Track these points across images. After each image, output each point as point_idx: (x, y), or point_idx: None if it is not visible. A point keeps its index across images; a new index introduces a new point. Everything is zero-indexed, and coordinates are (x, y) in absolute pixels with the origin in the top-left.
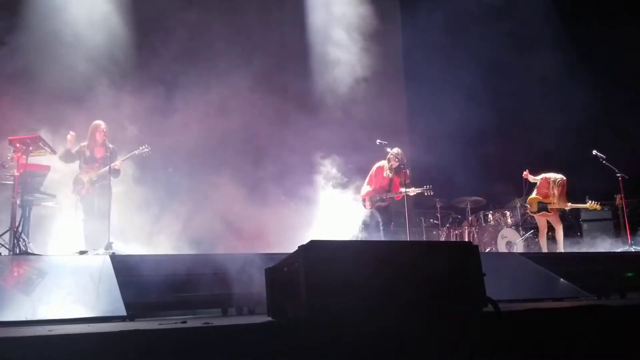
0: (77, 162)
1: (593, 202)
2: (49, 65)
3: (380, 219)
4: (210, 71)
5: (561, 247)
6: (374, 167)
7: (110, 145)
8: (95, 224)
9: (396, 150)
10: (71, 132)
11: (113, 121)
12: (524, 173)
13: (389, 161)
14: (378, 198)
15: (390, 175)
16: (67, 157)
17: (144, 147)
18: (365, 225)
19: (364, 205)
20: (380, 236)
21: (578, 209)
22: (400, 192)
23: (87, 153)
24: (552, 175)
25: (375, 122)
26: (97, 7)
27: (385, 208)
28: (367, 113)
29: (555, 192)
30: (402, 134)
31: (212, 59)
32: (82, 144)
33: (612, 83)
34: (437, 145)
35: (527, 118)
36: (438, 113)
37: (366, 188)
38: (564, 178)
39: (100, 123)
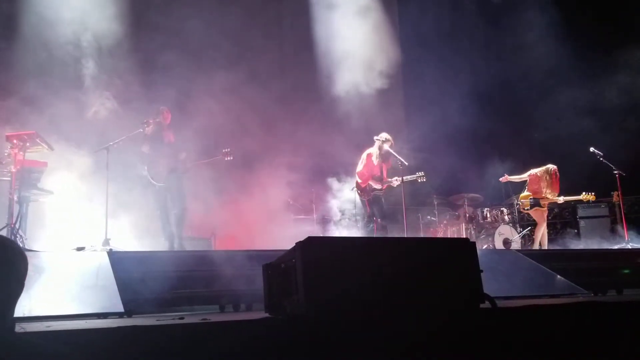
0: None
1: (587, 193)
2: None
3: (367, 212)
4: (209, 69)
5: (536, 245)
6: (364, 155)
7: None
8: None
9: (384, 135)
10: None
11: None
12: (502, 178)
13: (379, 149)
14: (373, 187)
15: (380, 161)
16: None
17: (227, 150)
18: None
19: (360, 195)
20: (362, 230)
21: (575, 206)
22: (391, 180)
23: (157, 137)
24: (541, 168)
25: (373, 119)
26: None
27: (378, 199)
28: (364, 110)
29: (546, 183)
30: (400, 131)
31: (212, 56)
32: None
33: (610, 79)
34: (435, 142)
35: (525, 115)
36: (436, 110)
37: (360, 176)
38: (555, 167)
39: (167, 108)
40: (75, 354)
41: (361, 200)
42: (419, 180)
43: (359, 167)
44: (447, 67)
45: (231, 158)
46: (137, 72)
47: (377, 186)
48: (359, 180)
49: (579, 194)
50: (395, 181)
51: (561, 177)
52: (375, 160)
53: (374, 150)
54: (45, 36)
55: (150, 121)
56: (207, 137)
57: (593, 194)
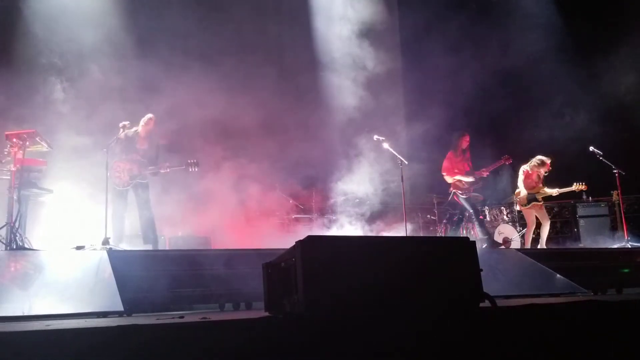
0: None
1: (578, 183)
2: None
3: (472, 210)
4: (210, 67)
5: (544, 243)
6: (447, 157)
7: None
8: (125, 216)
9: (457, 133)
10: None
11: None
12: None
13: (461, 143)
14: (471, 182)
15: (462, 156)
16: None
17: (192, 161)
18: (450, 220)
19: (457, 197)
20: (476, 230)
21: (575, 206)
22: (486, 169)
23: (130, 142)
24: (532, 161)
25: (372, 116)
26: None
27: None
28: (364, 108)
29: (540, 176)
30: (400, 129)
31: (212, 54)
32: (131, 130)
33: (610, 78)
34: (435, 141)
35: (524, 114)
36: (435, 108)
37: (452, 178)
38: (544, 159)
39: (151, 116)
40: (76, 353)
41: (462, 200)
42: (507, 164)
43: (446, 170)
44: (448, 65)
45: (196, 169)
46: (136, 71)
47: (470, 179)
48: (452, 181)
49: (570, 185)
50: (485, 172)
51: (561, 176)
52: (457, 156)
53: (452, 148)
54: (42, 34)
55: (126, 124)
56: (205, 136)
57: (584, 183)
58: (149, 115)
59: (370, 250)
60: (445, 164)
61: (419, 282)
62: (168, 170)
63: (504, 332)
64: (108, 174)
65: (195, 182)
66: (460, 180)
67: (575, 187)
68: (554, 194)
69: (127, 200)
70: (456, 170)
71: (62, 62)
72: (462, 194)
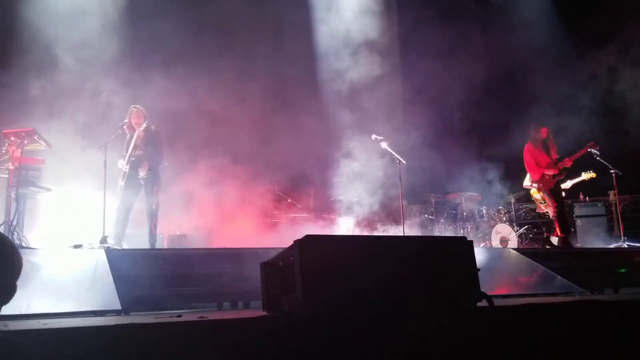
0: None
1: (588, 171)
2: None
3: (552, 204)
4: (210, 66)
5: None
6: (525, 150)
7: (152, 127)
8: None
9: (534, 124)
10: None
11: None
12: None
13: (539, 134)
14: (550, 174)
15: (542, 148)
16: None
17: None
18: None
19: (542, 188)
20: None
21: (572, 205)
22: (569, 158)
23: (132, 141)
24: None
25: (371, 115)
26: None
27: (558, 185)
28: (362, 106)
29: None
30: (398, 129)
31: (210, 53)
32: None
33: (608, 78)
34: (433, 141)
35: (524, 113)
36: (434, 107)
37: (533, 171)
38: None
39: (134, 108)
40: (73, 352)
41: (544, 194)
42: (592, 150)
43: (531, 169)
44: (448, 64)
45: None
46: (132, 69)
47: (552, 172)
48: (534, 176)
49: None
50: (568, 161)
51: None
52: (536, 147)
53: (530, 140)
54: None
55: (125, 124)
56: (202, 135)
57: (592, 171)
58: (132, 108)
59: (368, 249)
60: (528, 159)
61: (417, 281)
62: (141, 151)
63: (502, 331)
64: (121, 183)
65: (194, 181)
66: (544, 174)
67: (584, 176)
68: (567, 187)
69: (136, 196)
70: (541, 166)
71: (57, 59)
72: (543, 189)
